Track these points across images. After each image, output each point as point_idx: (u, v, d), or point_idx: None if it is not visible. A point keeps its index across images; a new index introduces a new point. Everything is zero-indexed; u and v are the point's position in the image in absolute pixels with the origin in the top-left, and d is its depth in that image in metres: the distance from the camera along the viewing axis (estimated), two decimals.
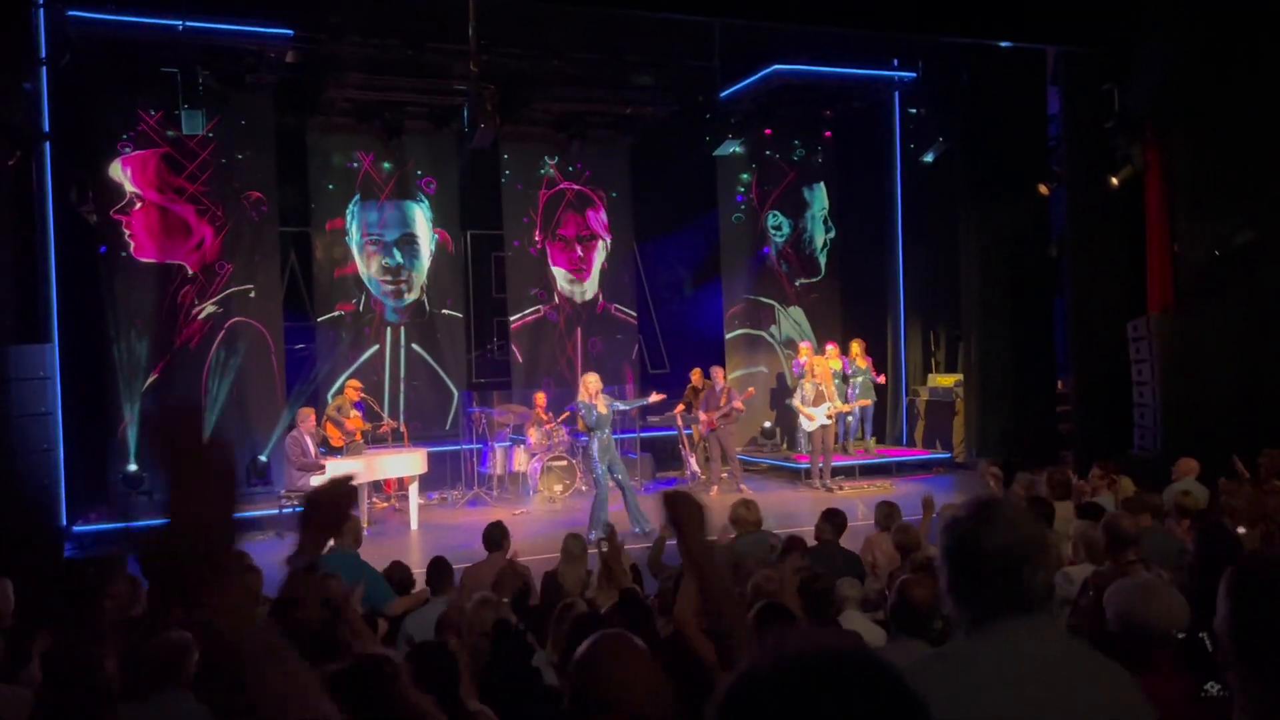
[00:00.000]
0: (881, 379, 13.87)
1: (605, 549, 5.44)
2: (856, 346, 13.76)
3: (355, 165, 13.33)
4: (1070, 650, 1.65)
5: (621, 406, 10.48)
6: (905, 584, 3.74)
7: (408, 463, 10.90)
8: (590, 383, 10.04)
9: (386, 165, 13.48)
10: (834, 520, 6.18)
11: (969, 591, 1.66)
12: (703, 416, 12.38)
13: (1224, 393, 10.17)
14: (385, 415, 11.91)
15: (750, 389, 13.49)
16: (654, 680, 1.83)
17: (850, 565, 5.84)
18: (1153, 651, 2.74)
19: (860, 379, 13.47)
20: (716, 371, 13.03)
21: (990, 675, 1.59)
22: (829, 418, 12.29)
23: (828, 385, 12.40)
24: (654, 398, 10.97)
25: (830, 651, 0.95)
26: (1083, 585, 4.61)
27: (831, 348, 13.64)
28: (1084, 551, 5.34)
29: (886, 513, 6.57)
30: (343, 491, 1.89)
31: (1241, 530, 5.60)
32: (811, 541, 6.25)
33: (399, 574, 6.26)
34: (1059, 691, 1.58)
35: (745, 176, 15.17)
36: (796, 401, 12.55)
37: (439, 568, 5.71)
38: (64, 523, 9.65)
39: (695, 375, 13.30)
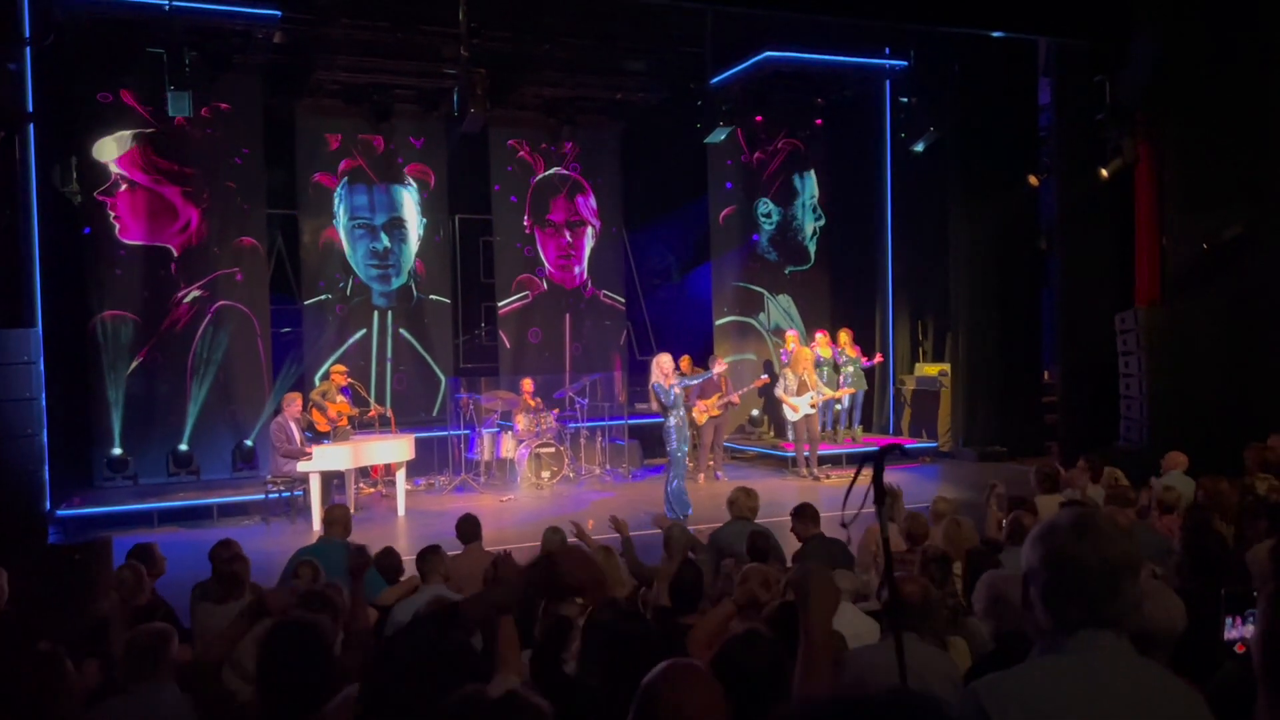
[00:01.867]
0: (879, 358, 13.87)
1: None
2: (844, 335, 13.76)
3: (343, 148, 13.22)
4: (1148, 669, 1.69)
5: (689, 383, 10.49)
6: (897, 580, 3.72)
7: (395, 449, 10.85)
8: (663, 363, 9.99)
9: (375, 148, 13.37)
10: (805, 515, 6.12)
11: (1061, 600, 1.68)
12: (702, 404, 12.37)
13: (1211, 386, 10.24)
14: (372, 400, 11.86)
15: (764, 377, 13.40)
16: (720, 711, 1.85)
17: (841, 556, 5.84)
18: (1150, 653, 2.74)
19: (850, 368, 13.49)
20: (717, 361, 13.02)
21: (1078, 694, 1.61)
22: (812, 406, 12.29)
23: (810, 375, 12.39)
24: (717, 369, 10.99)
25: (881, 697, 0.98)
26: None
27: (821, 335, 13.64)
28: None
29: (890, 502, 6.54)
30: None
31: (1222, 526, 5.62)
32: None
33: (389, 560, 6.23)
34: (1141, 712, 1.62)
35: (734, 163, 15.12)
36: (780, 391, 12.56)
37: (428, 555, 5.69)
38: (47, 507, 9.56)
39: (685, 362, 13.28)
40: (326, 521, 6.58)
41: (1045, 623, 1.70)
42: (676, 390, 9.89)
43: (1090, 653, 1.63)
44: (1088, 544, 1.67)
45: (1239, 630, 2.92)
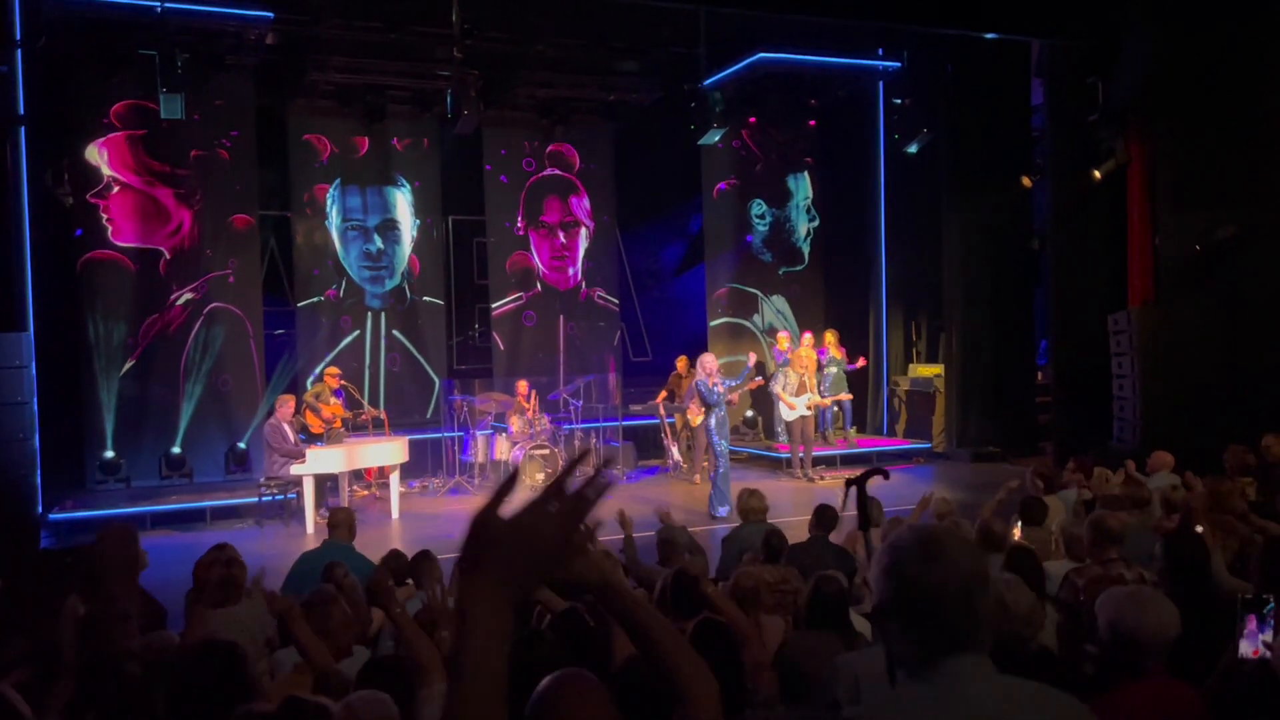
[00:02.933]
0: (862, 362, 13.86)
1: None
2: (830, 336, 13.76)
3: (336, 150, 13.20)
4: (1014, 686, 1.62)
5: (732, 384, 10.72)
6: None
7: (389, 451, 10.83)
8: (708, 363, 10.37)
9: (367, 149, 13.35)
10: (824, 517, 6.18)
11: (914, 628, 1.62)
12: (694, 405, 12.37)
13: (1203, 386, 10.27)
14: (366, 403, 11.84)
15: (758, 379, 13.37)
16: None
17: (840, 561, 5.84)
18: (1144, 661, 2.75)
19: (834, 369, 13.46)
20: (750, 355, 13.00)
21: None
22: (808, 409, 12.30)
23: (810, 377, 12.41)
24: (752, 360, 11.14)
25: None
26: (1063, 580, 4.63)
27: (807, 336, 13.63)
28: (1064, 548, 5.36)
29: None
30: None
31: (1200, 529, 5.62)
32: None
33: (396, 562, 6.19)
34: None
35: (728, 164, 15.12)
36: (778, 388, 12.53)
37: (422, 560, 5.67)
38: (39, 510, 9.53)
39: (681, 363, 13.28)
40: (331, 525, 6.53)
41: (898, 650, 1.64)
42: (720, 389, 10.22)
43: (954, 680, 1.57)
44: (939, 568, 1.60)
45: (1259, 636, 2.90)
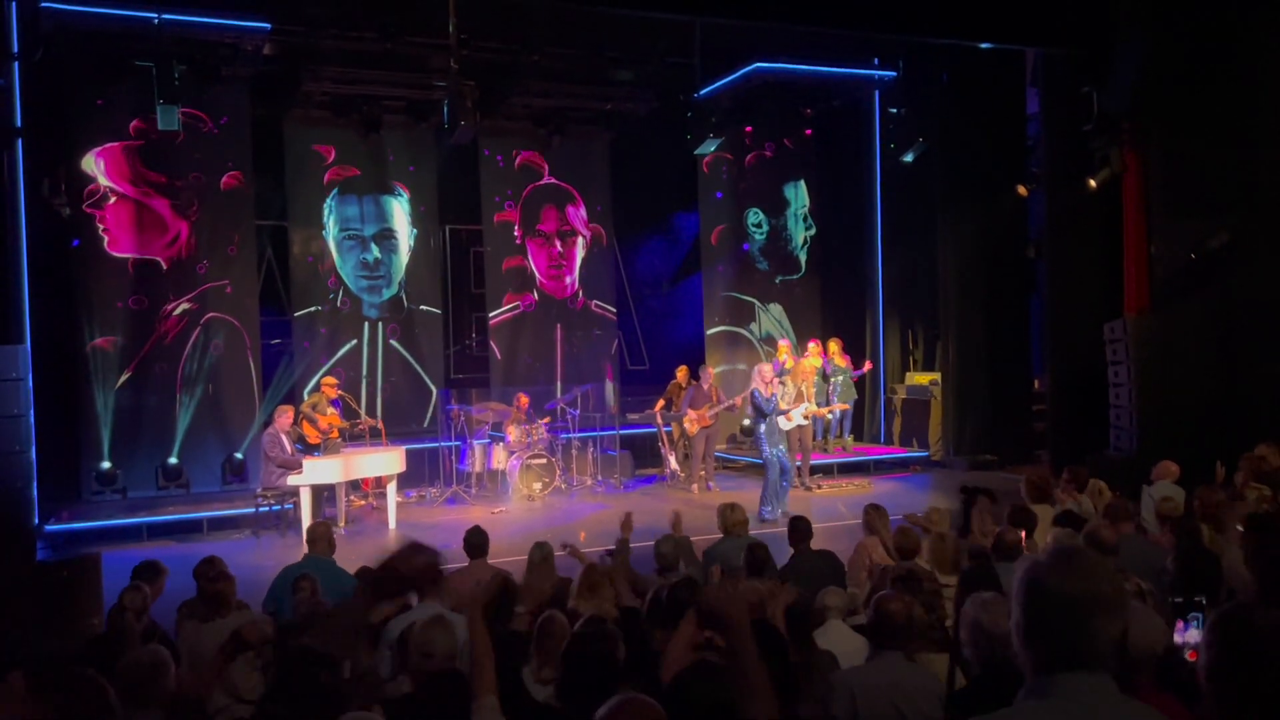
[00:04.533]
0: (868, 365, 13.90)
1: (611, 559, 5.38)
2: (834, 345, 13.80)
3: (333, 159, 13.22)
4: (1137, 710, 1.64)
5: (785, 395, 11.30)
6: (881, 600, 3.74)
7: (386, 461, 10.82)
8: (765, 373, 10.73)
9: (364, 159, 13.37)
10: (799, 528, 6.14)
11: (1035, 639, 1.63)
12: (692, 414, 12.38)
13: (1199, 394, 10.27)
14: (363, 412, 11.84)
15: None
16: None
17: (831, 570, 5.84)
18: (1131, 675, 2.75)
19: (840, 378, 13.52)
20: (706, 371, 13.04)
21: None
22: (805, 418, 12.32)
23: (809, 387, 12.44)
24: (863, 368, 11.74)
25: None
26: None
27: (813, 345, 13.66)
28: None
29: (874, 516, 6.55)
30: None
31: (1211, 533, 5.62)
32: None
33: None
34: None
35: (725, 173, 15.15)
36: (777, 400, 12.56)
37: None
38: (35, 522, 9.52)
39: (681, 373, 13.28)
40: (309, 539, 6.52)
41: (1022, 659, 1.66)
42: (775, 398, 10.67)
43: (1070, 699, 1.58)
44: (1058, 581, 1.62)
45: (1184, 636, 2.94)
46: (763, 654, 3.36)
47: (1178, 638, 2.96)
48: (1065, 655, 1.61)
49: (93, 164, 11.56)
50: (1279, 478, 7.26)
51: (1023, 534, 6.01)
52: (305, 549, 8.08)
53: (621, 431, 13.50)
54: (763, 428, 10.74)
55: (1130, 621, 2.83)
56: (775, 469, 10.66)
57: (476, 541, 6.19)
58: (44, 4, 9.93)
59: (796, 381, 12.39)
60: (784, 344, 14.14)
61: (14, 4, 9.76)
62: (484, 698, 2.81)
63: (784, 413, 11.20)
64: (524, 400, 12.42)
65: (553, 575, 5.69)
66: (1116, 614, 1.63)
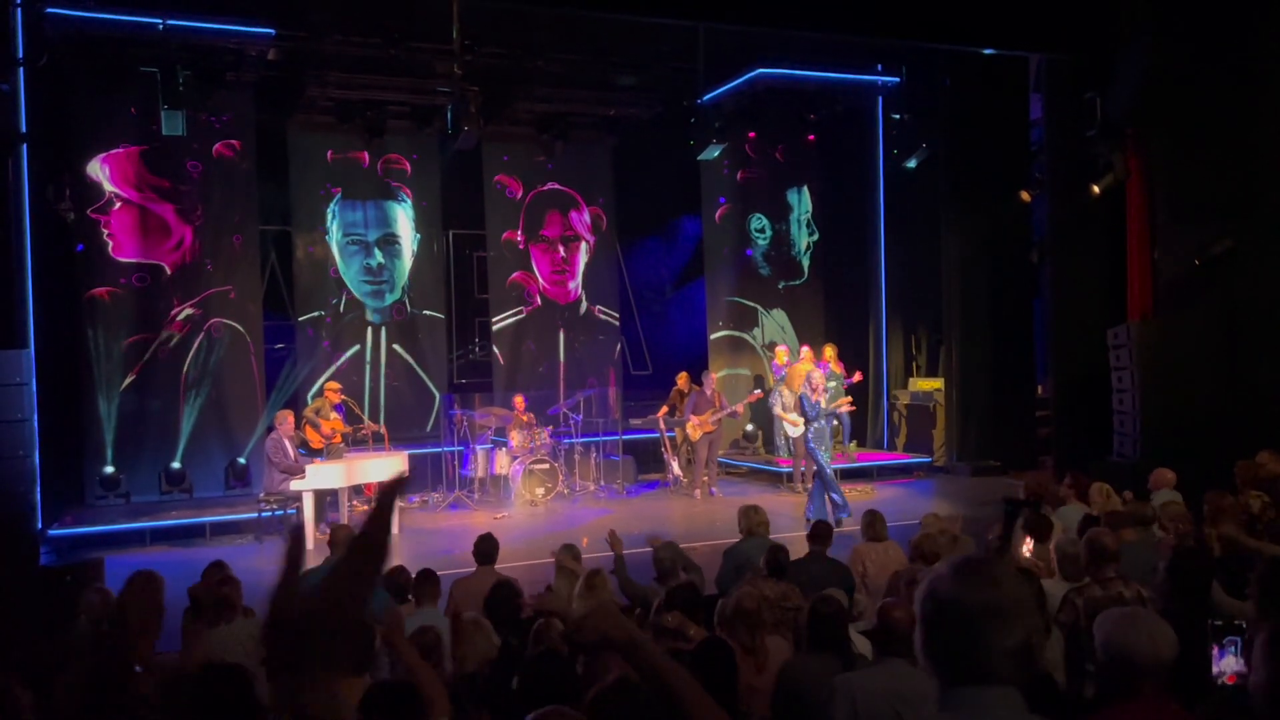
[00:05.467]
0: (858, 376, 13.84)
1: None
2: (829, 350, 13.75)
3: (336, 164, 13.24)
4: None
5: (832, 400, 11.49)
6: (885, 607, 3.74)
7: (388, 466, 10.79)
8: (815, 379, 10.95)
9: (367, 164, 13.39)
10: (819, 533, 6.20)
11: (933, 652, 1.59)
12: (694, 419, 12.38)
13: (1203, 400, 10.25)
14: (366, 418, 11.84)
15: (756, 392, 13.53)
16: None
17: (839, 577, 5.84)
18: (1138, 681, 2.75)
19: (833, 383, 13.45)
20: (709, 376, 13.04)
21: None
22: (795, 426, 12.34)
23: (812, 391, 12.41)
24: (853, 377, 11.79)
25: None
26: (1062, 601, 4.63)
27: (806, 350, 13.64)
28: (1058, 566, 5.34)
29: (871, 522, 6.57)
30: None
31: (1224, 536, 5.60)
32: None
33: (400, 578, 6.18)
34: None
35: (727, 178, 15.16)
36: (778, 410, 12.62)
37: (425, 579, 5.67)
38: (39, 526, 9.53)
39: (682, 379, 13.29)
40: (331, 543, 6.53)
41: (936, 679, 1.60)
42: (822, 404, 10.85)
43: (974, 714, 1.53)
44: (957, 592, 1.56)
45: (1220, 663, 2.92)
46: (712, 670, 3.35)
47: (1214, 666, 2.92)
48: (963, 668, 1.55)
49: (97, 169, 11.59)
50: (1277, 485, 7.25)
51: (1028, 544, 6.01)
52: (310, 555, 8.11)
53: (624, 437, 13.49)
54: (810, 431, 10.87)
55: (1140, 628, 2.85)
56: (826, 473, 10.66)
57: (486, 549, 6.20)
58: (49, 10, 9.97)
59: (793, 388, 12.38)
60: (781, 349, 14.14)
61: (19, 10, 9.78)
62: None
63: (830, 414, 11.26)
64: (520, 402, 12.41)
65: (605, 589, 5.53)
66: (1015, 625, 1.55)
